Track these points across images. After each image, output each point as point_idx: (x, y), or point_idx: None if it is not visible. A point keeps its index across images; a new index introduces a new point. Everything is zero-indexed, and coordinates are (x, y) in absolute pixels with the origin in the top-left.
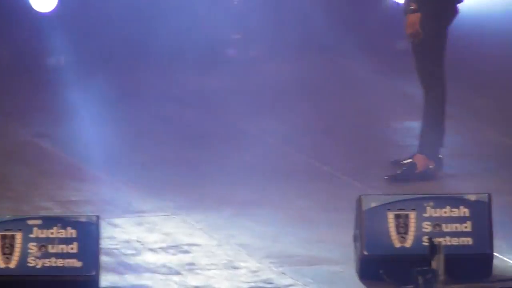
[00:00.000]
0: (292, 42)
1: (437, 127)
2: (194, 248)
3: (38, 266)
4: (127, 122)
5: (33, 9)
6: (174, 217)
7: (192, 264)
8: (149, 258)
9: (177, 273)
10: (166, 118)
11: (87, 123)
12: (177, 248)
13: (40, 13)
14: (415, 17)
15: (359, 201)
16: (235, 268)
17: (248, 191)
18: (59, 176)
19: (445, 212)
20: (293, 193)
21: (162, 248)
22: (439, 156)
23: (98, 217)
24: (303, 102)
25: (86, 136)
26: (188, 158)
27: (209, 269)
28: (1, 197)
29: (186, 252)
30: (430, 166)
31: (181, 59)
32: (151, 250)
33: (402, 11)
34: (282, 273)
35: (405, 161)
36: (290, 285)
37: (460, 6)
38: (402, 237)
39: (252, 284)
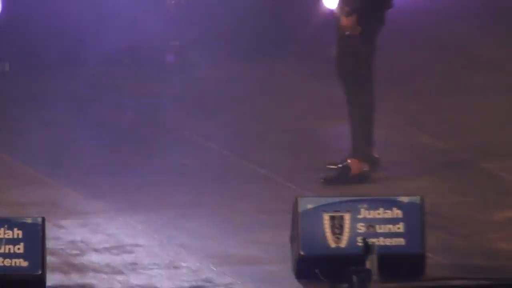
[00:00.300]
0: (230, 48)
1: (367, 130)
2: (136, 248)
3: None
4: (67, 126)
5: None
6: (116, 219)
7: (134, 263)
8: (93, 258)
9: (120, 272)
10: (106, 122)
11: (30, 127)
12: (120, 248)
13: None
14: (353, 20)
15: (295, 203)
16: (176, 267)
17: (187, 193)
18: (6, 179)
19: (378, 214)
20: (231, 195)
21: (105, 248)
22: (376, 156)
23: (43, 218)
24: (240, 106)
25: (30, 140)
26: (128, 161)
27: (151, 269)
28: None
29: (129, 252)
30: (365, 169)
31: (120, 65)
32: (95, 250)
33: (334, 16)
34: (222, 272)
35: (339, 165)
36: (230, 283)
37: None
38: (337, 237)
39: (193, 283)
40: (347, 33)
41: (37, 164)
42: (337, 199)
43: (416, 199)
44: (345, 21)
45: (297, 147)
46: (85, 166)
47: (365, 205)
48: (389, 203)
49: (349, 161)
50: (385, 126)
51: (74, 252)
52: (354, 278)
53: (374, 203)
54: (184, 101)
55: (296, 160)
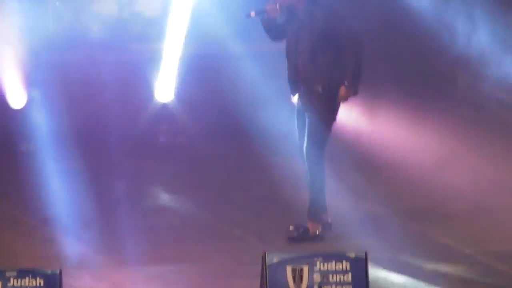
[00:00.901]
0: (209, 132)
1: (322, 199)
2: None
3: None
4: (78, 195)
5: (9, 105)
6: (119, 270)
7: None
8: None
9: None
10: (107, 192)
11: (48, 195)
12: None
13: (14, 108)
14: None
15: (264, 257)
16: None
17: (176, 248)
18: (28, 237)
19: (331, 266)
20: (211, 250)
21: None
22: (329, 221)
23: (60, 270)
24: (218, 178)
25: (48, 205)
26: (127, 223)
27: None
28: None
29: None
30: (320, 230)
31: (125, 145)
32: None
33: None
34: None
35: (300, 226)
36: None
37: None
38: (298, 286)
39: None
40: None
41: (53, 225)
42: (297, 254)
43: (362, 254)
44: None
45: (266, 212)
46: (93, 227)
47: (320, 259)
48: (340, 257)
49: (307, 223)
50: (334, 194)
51: None
52: None
53: (328, 258)
54: (171, 174)
55: (267, 222)
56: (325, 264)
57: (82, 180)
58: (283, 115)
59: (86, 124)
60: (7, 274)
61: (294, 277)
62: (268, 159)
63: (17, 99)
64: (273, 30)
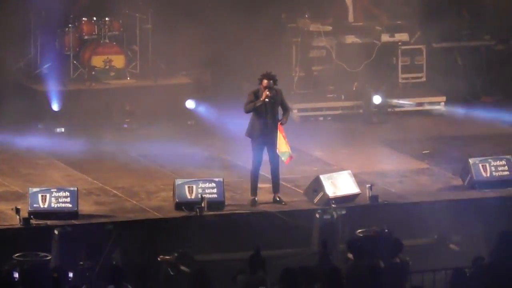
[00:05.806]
0: None
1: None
2: None
3: None
4: None
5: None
6: None
7: None
8: None
9: None
10: None
11: None
12: None
13: None
14: None
15: (174, 183)
16: None
17: None
18: None
19: (206, 185)
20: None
21: None
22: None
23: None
24: None
25: None
26: None
27: None
28: None
29: None
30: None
31: None
32: None
33: None
34: None
35: None
36: None
37: None
38: (191, 195)
39: None
40: None
41: None
42: (190, 179)
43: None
44: None
45: None
46: None
47: (201, 181)
48: (210, 181)
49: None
50: None
51: None
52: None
53: (204, 181)
54: None
55: None
56: (204, 184)
57: None
58: None
59: None
60: None
61: (189, 190)
62: None
63: None
64: None
